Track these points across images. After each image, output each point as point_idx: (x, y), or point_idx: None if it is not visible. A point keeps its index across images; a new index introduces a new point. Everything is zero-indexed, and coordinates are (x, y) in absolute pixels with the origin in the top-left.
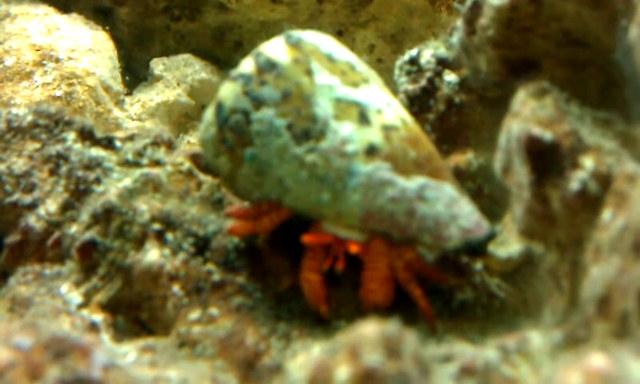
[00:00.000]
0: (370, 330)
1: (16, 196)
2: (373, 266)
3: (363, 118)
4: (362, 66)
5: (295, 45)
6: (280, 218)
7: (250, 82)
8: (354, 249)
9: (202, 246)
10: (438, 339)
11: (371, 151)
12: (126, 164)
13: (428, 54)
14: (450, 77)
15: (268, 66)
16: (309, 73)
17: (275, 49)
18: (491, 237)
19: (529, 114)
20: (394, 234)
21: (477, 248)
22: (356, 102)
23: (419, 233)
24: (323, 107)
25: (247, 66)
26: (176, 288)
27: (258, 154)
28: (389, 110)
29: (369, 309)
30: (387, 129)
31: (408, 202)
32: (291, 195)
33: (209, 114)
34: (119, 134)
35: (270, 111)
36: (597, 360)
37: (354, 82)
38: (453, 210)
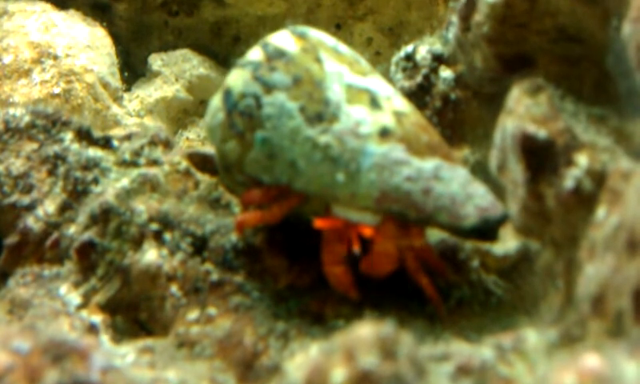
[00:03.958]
0: (365, 331)
1: (14, 197)
2: (382, 246)
3: (374, 103)
4: (365, 63)
5: (302, 36)
6: (289, 205)
7: (260, 68)
8: (367, 232)
9: (199, 245)
10: (435, 336)
11: (385, 133)
12: (124, 164)
13: (424, 50)
14: (446, 73)
15: (277, 54)
16: (318, 61)
17: (282, 39)
18: (505, 218)
19: (523, 111)
20: (410, 213)
21: (490, 231)
22: (366, 89)
23: (436, 212)
24: (335, 91)
25: (255, 54)
26: (174, 288)
27: (269, 136)
28: (396, 98)
29: (366, 273)
30: (398, 114)
31: (424, 181)
32: (303, 177)
33: (216, 100)
34: (117, 134)
35: (281, 95)
36: (591, 360)
37: (362, 72)
38: (468, 189)
